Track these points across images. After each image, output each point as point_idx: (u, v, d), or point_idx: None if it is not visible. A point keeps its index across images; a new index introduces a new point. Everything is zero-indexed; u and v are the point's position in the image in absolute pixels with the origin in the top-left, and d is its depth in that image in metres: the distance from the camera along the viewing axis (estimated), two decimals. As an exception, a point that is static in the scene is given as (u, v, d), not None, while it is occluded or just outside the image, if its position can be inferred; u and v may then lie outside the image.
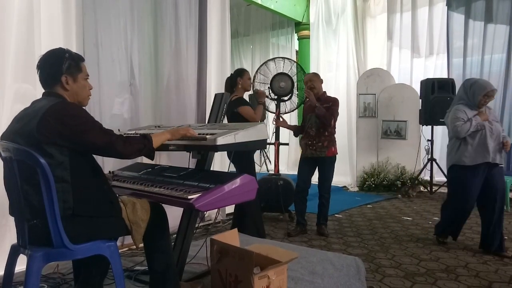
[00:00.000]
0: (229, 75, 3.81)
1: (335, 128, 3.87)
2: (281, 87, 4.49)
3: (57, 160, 1.53)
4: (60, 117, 1.53)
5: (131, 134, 2.38)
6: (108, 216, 1.67)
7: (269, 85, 4.54)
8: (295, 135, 4.11)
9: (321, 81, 3.90)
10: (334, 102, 3.78)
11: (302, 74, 4.75)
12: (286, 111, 4.73)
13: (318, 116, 3.68)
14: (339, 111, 3.86)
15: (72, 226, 1.54)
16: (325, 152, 3.73)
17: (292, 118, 7.61)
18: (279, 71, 4.61)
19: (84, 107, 1.73)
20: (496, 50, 6.24)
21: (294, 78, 4.61)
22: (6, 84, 2.62)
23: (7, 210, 1.69)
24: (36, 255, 1.50)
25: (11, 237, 2.48)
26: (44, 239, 1.51)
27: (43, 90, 2.66)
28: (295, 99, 4.72)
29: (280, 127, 4.47)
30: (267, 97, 4.55)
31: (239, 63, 8.77)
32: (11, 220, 1.73)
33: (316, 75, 3.97)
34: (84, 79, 1.75)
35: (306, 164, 3.87)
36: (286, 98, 4.58)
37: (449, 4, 6.60)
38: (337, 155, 3.88)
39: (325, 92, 3.89)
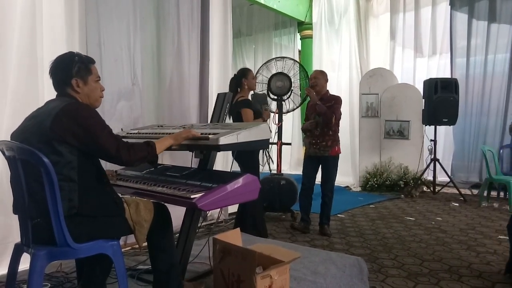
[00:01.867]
0: (231, 75, 3.81)
1: (339, 127, 3.86)
2: (278, 86, 4.50)
3: (66, 159, 1.55)
4: (73, 117, 1.56)
5: (134, 133, 2.39)
6: (111, 216, 1.68)
7: (267, 85, 4.55)
8: (304, 131, 4.08)
9: (326, 80, 3.88)
10: (336, 101, 3.78)
11: (304, 73, 4.76)
12: (288, 110, 4.74)
13: (318, 114, 3.69)
14: (341, 110, 3.85)
15: (75, 225, 1.55)
16: (328, 151, 3.73)
17: (295, 117, 7.61)
18: (279, 71, 4.62)
19: (96, 109, 1.75)
20: (500, 49, 6.23)
21: (295, 77, 4.61)
22: (8, 84, 2.63)
23: (10, 209, 1.70)
24: (40, 254, 1.50)
25: (14, 236, 2.49)
26: (48, 238, 1.52)
27: (46, 91, 2.67)
28: (296, 98, 4.72)
29: (283, 127, 4.51)
30: (268, 96, 4.57)
31: (241, 63, 8.78)
32: (15, 219, 1.73)
33: (321, 73, 3.92)
34: (95, 81, 1.77)
35: (310, 162, 3.88)
36: (285, 97, 4.58)
37: (452, 4, 6.58)
38: (340, 155, 3.86)
39: (328, 91, 3.88)
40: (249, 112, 3.35)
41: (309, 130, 3.86)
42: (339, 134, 3.88)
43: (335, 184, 3.94)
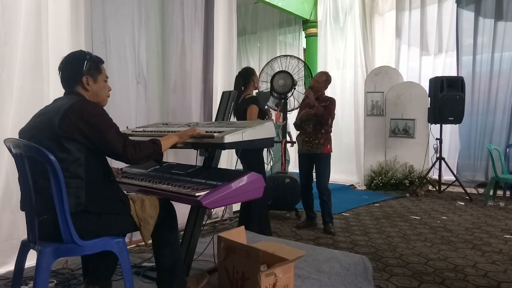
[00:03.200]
0: (236, 73, 3.80)
1: (331, 126, 3.91)
2: (280, 85, 4.49)
3: (74, 156, 1.57)
4: (81, 114, 1.58)
5: (139, 131, 2.40)
6: (117, 214, 1.69)
7: (270, 84, 4.54)
8: (297, 128, 4.09)
9: (327, 85, 3.90)
10: (331, 102, 3.84)
11: (308, 71, 4.75)
12: (292, 108, 4.73)
13: (316, 115, 3.73)
14: (336, 111, 3.91)
15: (81, 222, 1.56)
16: (321, 149, 3.79)
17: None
18: (281, 69, 4.61)
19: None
20: (506, 48, 6.18)
21: (300, 75, 4.60)
22: (14, 82, 2.64)
23: (17, 206, 1.71)
24: (46, 251, 1.52)
25: (20, 233, 2.51)
26: (54, 235, 1.53)
27: (52, 88, 2.68)
28: (301, 96, 4.72)
29: (287, 126, 4.52)
30: (272, 95, 4.56)
31: (246, 61, 8.77)
32: (20, 216, 1.74)
33: (326, 79, 3.90)
34: (103, 81, 1.79)
35: (304, 160, 3.94)
36: (289, 95, 4.57)
37: (458, 2, 6.53)
38: (331, 154, 3.90)
39: (324, 93, 3.92)
40: (255, 109, 3.36)
41: (304, 120, 3.83)
42: (331, 134, 3.93)
43: (339, 182, 3.95)
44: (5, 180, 2.60)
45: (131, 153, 1.64)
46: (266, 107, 4.39)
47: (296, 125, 4.02)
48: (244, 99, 3.43)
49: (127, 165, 2.39)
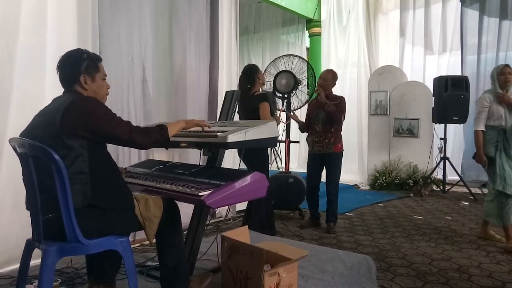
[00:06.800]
0: (236, 72, 3.80)
1: (341, 125, 3.88)
2: (282, 84, 4.49)
3: (77, 152, 1.57)
4: (82, 109, 1.59)
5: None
6: (122, 210, 1.70)
7: (273, 83, 4.55)
8: (302, 131, 4.12)
9: (335, 82, 3.90)
10: (341, 100, 3.82)
11: (311, 70, 4.75)
12: (295, 107, 4.74)
13: (328, 113, 3.70)
14: (349, 108, 3.87)
15: (86, 221, 1.57)
16: (331, 148, 3.77)
17: (303, 115, 7.57)
18: (283, 69, 4.62)
19: None
20: (512, 47, 6.14)
21: (302, 75, 4.61)
22: (14, 83, 2.63)
23: (23, 205, 1.71)
24: (51, 250, 1.52)
25: (24, 232, 2.52)
26: (59, 234, 1.54)
27: (52, 88, 2.68)
28: (304, 96, 4.72)
29: (290, 123, 4.51)
30: (274, 94, 4.56)
31: (248, 61, 8.77)
32: (25, 214, 1.75)
33: (332, 76, 3.90)
34: (102, 79, 1.79)
35: (314, 161, 3.92)
36: (292, 94, 4.57)
37: (463, 0, 6.50)
38: (343, 152, 3.88)
39: (331, 91, 3.91)
40: (267, 106, 3.33)
41: (299, 122, 3.91)
42: (341, 132, 3.90)
43: (343, 182, 3.95)
44: (7, 179, 2.61)
45: (138, 137, 1.67)
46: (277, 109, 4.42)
47: (300, 128, 4.02)
48: (253, 96, 3.40)
49: (130, 164, 2.41)
